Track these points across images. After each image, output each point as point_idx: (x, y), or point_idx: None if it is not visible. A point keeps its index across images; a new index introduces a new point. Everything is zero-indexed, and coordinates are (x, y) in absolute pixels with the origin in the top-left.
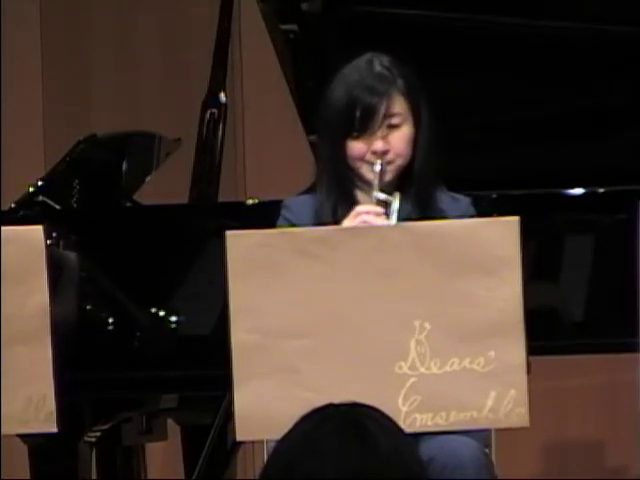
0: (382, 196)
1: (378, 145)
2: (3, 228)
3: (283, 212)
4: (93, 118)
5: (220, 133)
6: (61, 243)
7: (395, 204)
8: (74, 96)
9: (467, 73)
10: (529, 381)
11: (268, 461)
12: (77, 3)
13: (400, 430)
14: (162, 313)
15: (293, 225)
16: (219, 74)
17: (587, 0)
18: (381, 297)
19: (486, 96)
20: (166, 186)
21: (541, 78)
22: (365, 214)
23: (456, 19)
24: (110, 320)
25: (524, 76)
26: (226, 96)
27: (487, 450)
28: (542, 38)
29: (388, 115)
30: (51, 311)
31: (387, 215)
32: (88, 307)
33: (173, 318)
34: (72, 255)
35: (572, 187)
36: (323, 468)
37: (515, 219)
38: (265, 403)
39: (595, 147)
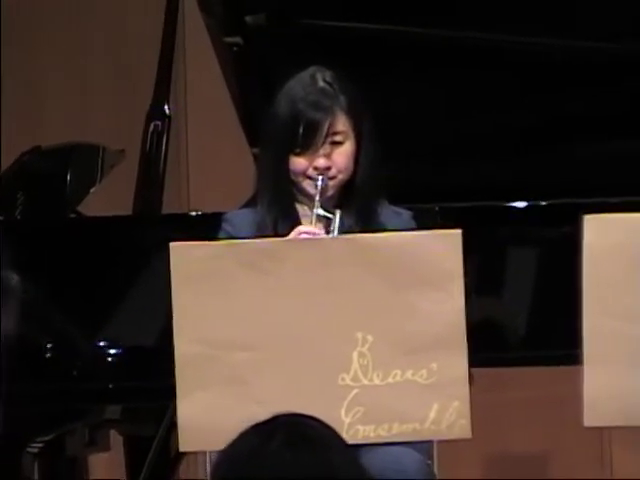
0: (323, 212)
1: (320, 162)
2: None
3: (224, 225)
4: (40, 131)
5: (164, 145)
6: (2, 255)
7: (336, 220)
8: (26, 108)
9: (412, 87)
10: (471, 393)
11: (214, 475)
12: (32, 21)
13: (343, 440)
14: (105, 325)
15: (234, 238)
16: (163, 86)
17: (542, 14)
18: (325, 309)
19: (431, 110)
20: (110, 197)
21: (486, 92)
22: (306, 234)
23: (402, 32)
24: (52, 332)
25: (469, 90)
26: (170, 108)
27: (429, 462)
28: (491, 52)
29: (331, 133)
30: None
31: (328, 231)
32: (30, 319)
33: (116, 330)
34: (14, 266)
35: (515, 200)
36: None
37: (457, 232)
38: (209, 414)
39: (540, 161)
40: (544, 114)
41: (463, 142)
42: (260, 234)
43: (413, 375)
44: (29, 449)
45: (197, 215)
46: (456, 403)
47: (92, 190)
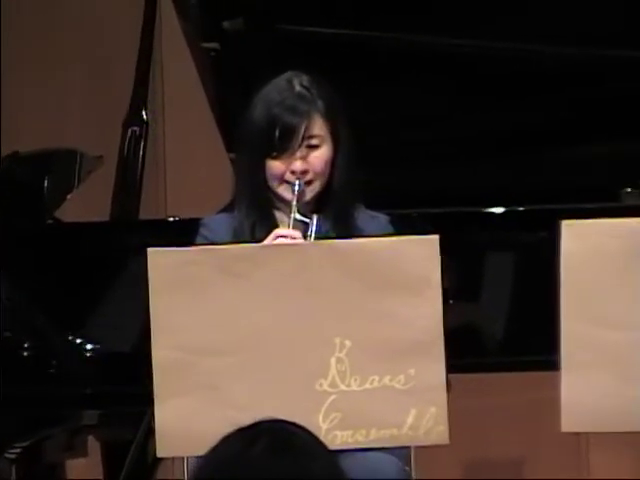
0: (300, 217)
1: (297, 165)
2: None
3: (201, 230)
4: (18, 136)
5: (141, 151)
6: None
7: (313, 225)
8: (2, 113)
9: (389, 91)
10: (449, 399)
11: (196, 479)
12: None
13: (325, 447)
14: (83, 330)
15: (211, 243)
16: (140, 92)
17: (511, 20)
18: (302, 314)
19: (408, 114)
20: (87, 203)
21: (463, 97)
22: (284, 237)
23: (379, 38)
24: (30, 336)
25: (446, 94)
26: (147, 114)
27: (407, 468)
28: (464, 57)
29: (308, 136)
30: None
31: (305, 236)
32: (8, 325)
33: (94, 335)
34: None
35: (493, 206)
36: None
37: (435, 237)
38: (186, 420)
39: (518, 166)
40: (521, 119)
41: (439, 148)
42: (237, 239)
43: (391, 381)
44: (6, 455)
45: (174, 220)
46: (434, 409)
47: (69, 196)
